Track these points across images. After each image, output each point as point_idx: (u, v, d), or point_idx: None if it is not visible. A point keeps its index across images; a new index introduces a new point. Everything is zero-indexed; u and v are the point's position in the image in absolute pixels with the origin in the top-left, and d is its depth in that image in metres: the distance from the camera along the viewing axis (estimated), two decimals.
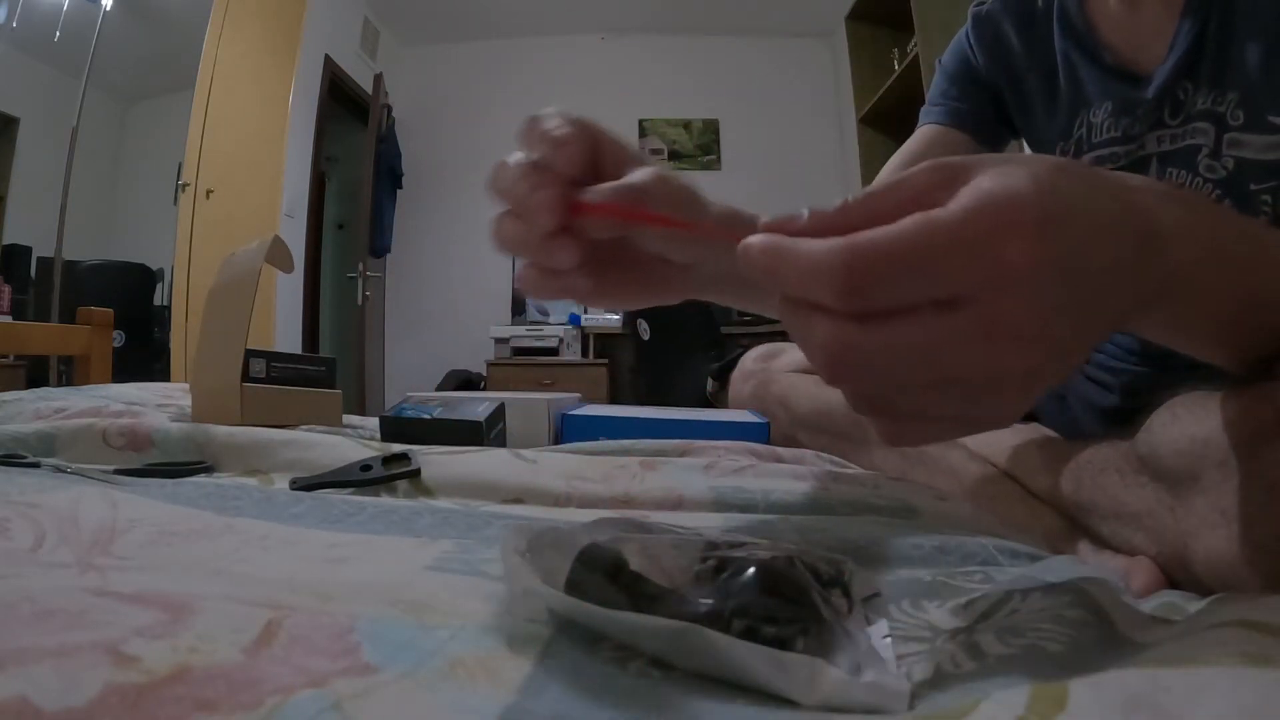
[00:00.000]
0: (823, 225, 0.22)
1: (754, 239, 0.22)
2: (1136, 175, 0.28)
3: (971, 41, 0.67)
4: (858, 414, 0.24)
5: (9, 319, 2.50)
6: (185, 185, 2.71)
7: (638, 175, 0.33)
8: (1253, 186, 0.50)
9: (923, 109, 0.70)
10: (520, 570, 0.22)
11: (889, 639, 0.23)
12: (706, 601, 0.20)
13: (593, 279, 0.35)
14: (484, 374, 3.50)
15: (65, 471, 0.47)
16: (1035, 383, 0.22)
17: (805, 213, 0.23)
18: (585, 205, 0.31)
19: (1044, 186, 0.21)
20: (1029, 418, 0.65)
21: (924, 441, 0.25)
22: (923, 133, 0.69)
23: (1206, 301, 0.28)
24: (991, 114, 0.67)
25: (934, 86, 0.70)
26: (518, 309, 3.80)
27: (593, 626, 0.21)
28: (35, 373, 2.46)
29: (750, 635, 0.19)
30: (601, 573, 0.21)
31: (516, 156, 0.32)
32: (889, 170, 0.68)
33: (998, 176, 0.21)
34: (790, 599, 0.20)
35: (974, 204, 0.20)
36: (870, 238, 0.20)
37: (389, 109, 3.83)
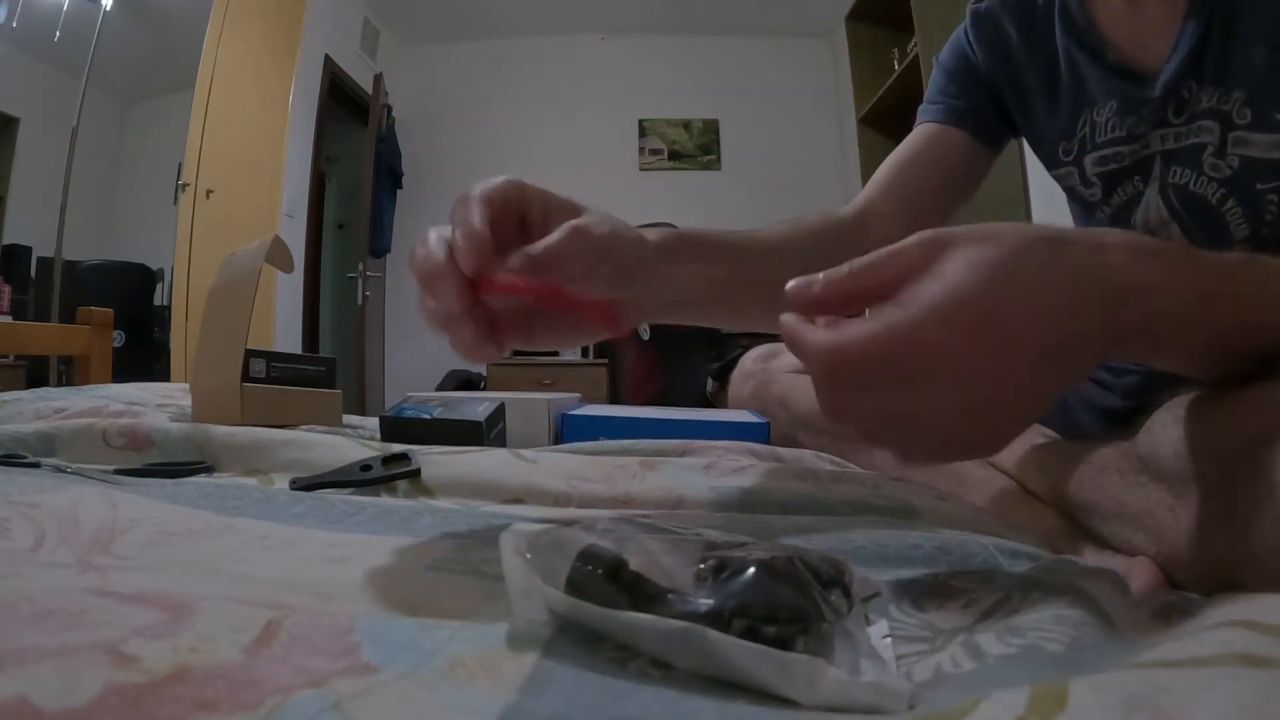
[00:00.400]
0: (835, 290, 0.29)
1: (785, 318, 0.30)
2: (1116, 231, 0.31)
3: (970, 39, 0.66)
4: (834, 425, 0.30)
5: (9, 319, 2.49)
6: (185, 185, 2.71)
7: (553, 236, 0.35)
8: (1258, 186, 0.50)
9: (920, 107, 0.70)
10: (520, 570, 0.22)
11: (889, 639, 0.23)
12: (706, 601, 0.20)
13: (522, 334, 0.38)
14: (484, 374, 3.50)
15: (65, 471, 0.47)
16: (1004, 424, 0.28)
17: (820, 278, 0.30)
18: (485, 283, 0.34)
19: (1003, 271, 0.26)
20: None
21: (915, 464, 0.33)
22: (921, 131, 0.68)
23: (1178, 341, 0.31)
24: (991, 112, 0.66)
25: (932, 84, 0.70)
26: None
27: (593, 626, 0.21)
28: (35, 373, 2.46)
29: (750, 635, 0.19)
30: (602, 573, 0.21)
31: (432, 238, 0.35)
32: (886, 170, 0.68)
33: (960, 266, 0.26)
34: (790, 599, 0.20)
35: (922, 313, 0.26)
36: (844, 341, 0.27)
37: (389, 109, 3.83)
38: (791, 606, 0.20)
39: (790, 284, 0.30)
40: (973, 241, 0.27)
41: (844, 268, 0.29)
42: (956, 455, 0.31)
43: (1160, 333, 0.30)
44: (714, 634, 0.19)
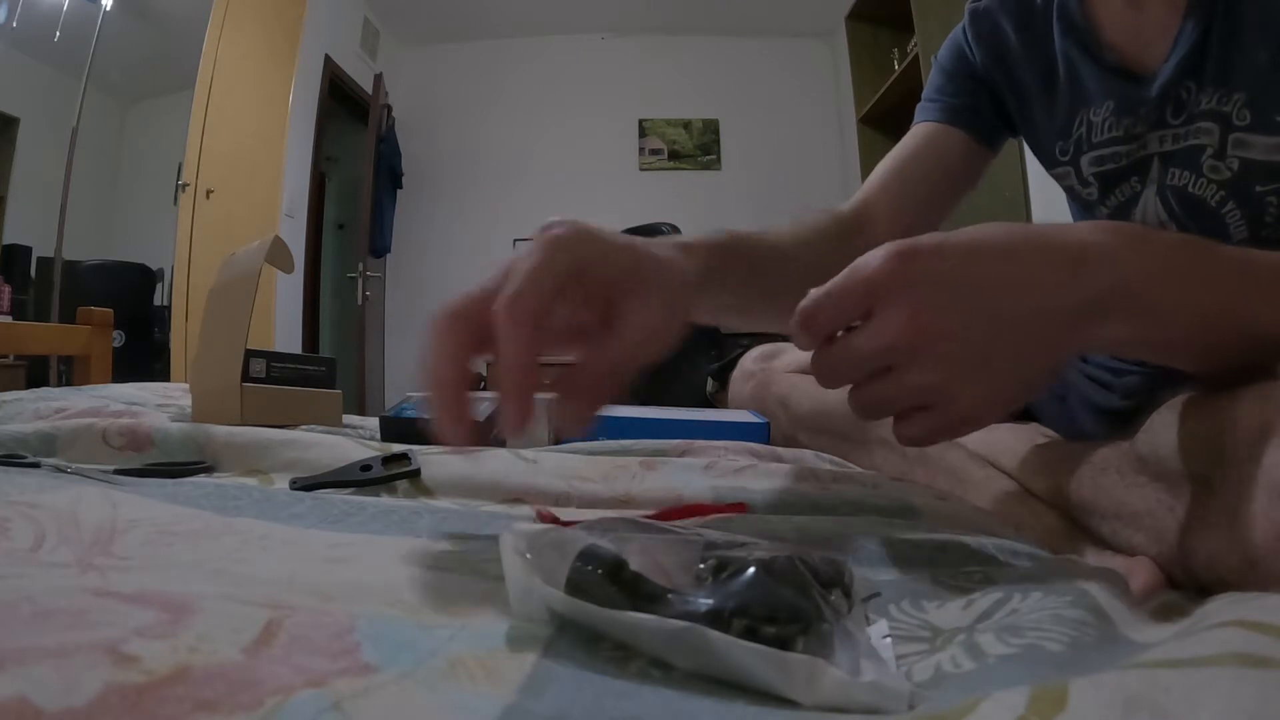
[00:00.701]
0: (825, 322, 0.32)
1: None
2: (1082, 223, 0.33)
3: (969, 38, 0.66)
4: (864, 420, 0.34)
5: (9, 319, 2.50)
6: (185, 185, 2.71)
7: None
8: (1258, 188, 0.50)
9: (919, 106, 0.70)
10: (520, 570, 0.22)
11: (889, 639, 0.23)
12: (706, 601, 0.20)
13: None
14: (484, 374, 3.50)
15: (65, 471, 0.47)
16: (989, 380, 0.31)
17: (807, 319, 0.33)
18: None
19: (922, 238, 0.30)
20: (1028, 418, 0.65)
21: (928, 438, 0.32)
22: (919, 130, 0.68)
23: (1154, 318, 0.32)
24: (989, 111, 0.66)
25: (930, 83, 0.70)
26: None
27: (593, 626, 0.21)
28: (35, 373, 2.46)
29: (750, 635, 0.19)
30: (602, 573, 0.21)
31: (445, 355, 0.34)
32: (884, 168, 0.68)
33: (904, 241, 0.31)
34: (790, 599, 0.20)
35: (866, 256, 0.30)
36: (812, 293, 0.31)
37: (389, 109, 3.83)
38: (791, 606, 0.20)
39: (795, 323, 0.32)
40: (932, 246, 0.31)
41: (822, 299, 0.32)
42: (969, 425, 0.33)
43: (1131, 306, 0.31)
44: (714, 634, 0.19)
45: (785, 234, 0.55)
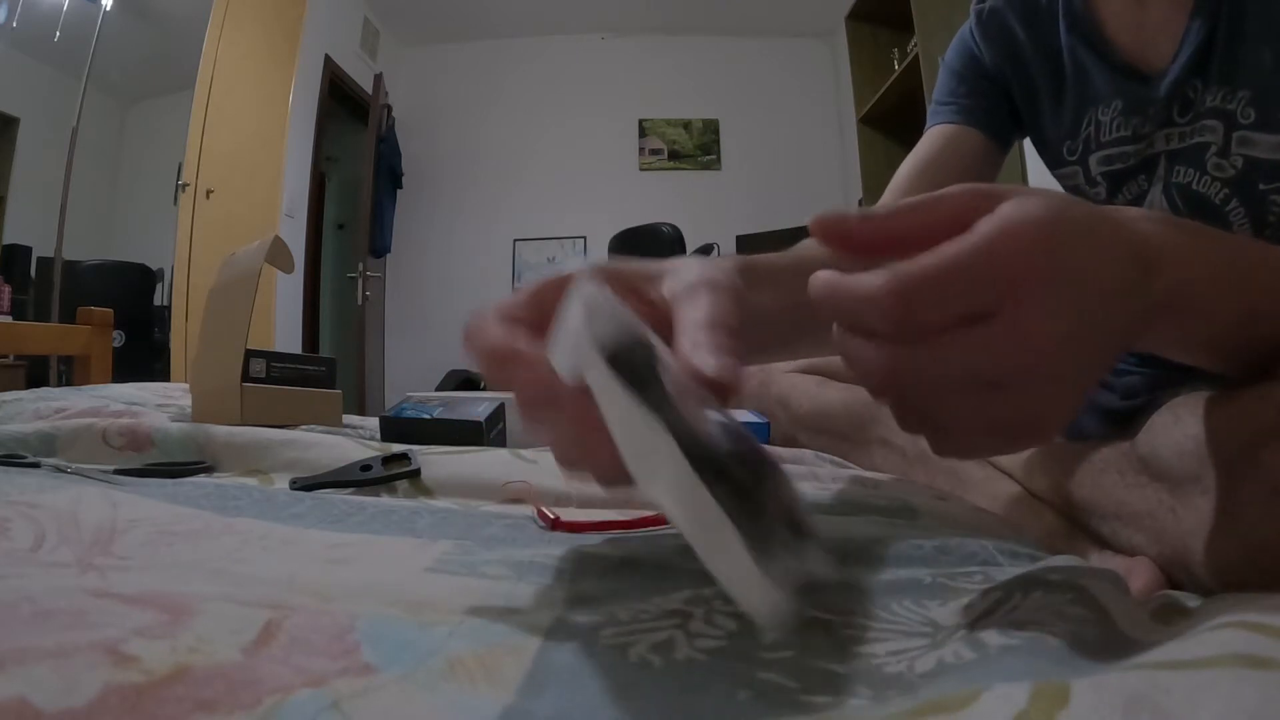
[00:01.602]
0: (872, 227, 0.26)
1: (818, 275, 0.24)
2: (1130, 208, 0.30)
3: (977, 38, 0.66)
4: (907, 431, 0.27)
5: (9, 319, 2.50)
6: (185, 185, 2.71)
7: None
8: (1262, 186, 0.50)
9: (930, 109, 0.69)
10: (579, 319, 0.22)
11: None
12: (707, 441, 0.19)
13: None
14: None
15: (65, 471, 0.47)
16: (1066, 392, 0.25)
17: (855, 214, 0.26)
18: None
19: (1058, 213, 0.23)
20: None
21: (972, 454, 0.28)
22: (935, 133, 0.68)
23: (1205, 318, 0.29)
24: (1003, 110, 0.66)
25: (940, 86, 0.69)
26: None
27: (609, 406, 0.20)
28: (35, 373, 2.46)
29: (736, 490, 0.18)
30: (647, 363, 0.21)
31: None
32: (903, 176, 0.67)
33: (1018, 205, 0.23)
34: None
35: (999, 228, 0.22)
36: (914, 269, 0.22)
37: (389, 109, 3.83)
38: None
39: (817, 215, 0.26)
40: (1019, 193, 0.24)
41: (882, 209, 0.25)
42: (1033, 418, 0.25)
43: (1188, 307, 0.28)
44: (707, 497, 0.18)
45: (804, 248, 0.47)
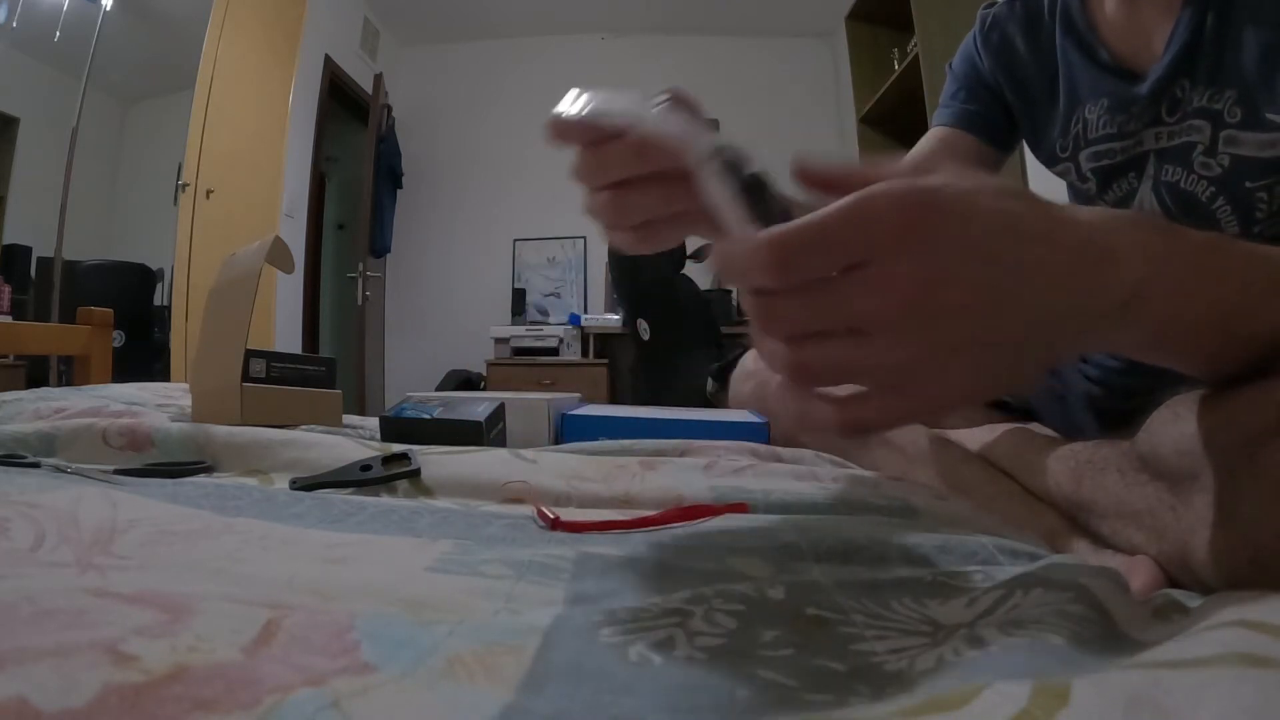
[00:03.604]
0: (835, 173, 0.29)
1: (716, 248, 0.27)
2: (1098, 208, 0.29)
3: (978, 44, 0.68)
4: (797, 385, 0.27)
5: (9, 319, 2.49)
6: (185, 185, 2.71)
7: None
8: (1248, 184, 0.50)
9: (935, 112, 0.72)
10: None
11: None
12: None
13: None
14: (484, 374, 3.50)
15: (65, 471, 0.47)
16: (978, 367, 0.26)
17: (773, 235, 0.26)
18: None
19: (947, 186, 0.25)
20: (1029, 418, 0.65)
21: (881, 422, 0.27)
22: (931, 135, 0.70)
23: (1174, 316, 0.30)
24: (999, 115, 0.68)
25: (945, 89, 0.72)
26: (518, 309, 3.80)
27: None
28: (35, 373, 2.46)
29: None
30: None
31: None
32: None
33: (906, 179, 0.25)
34: None
35: (861, 194, 0.25)
36: (787, 225, 0.25)
37: (389, 109, 3.83)
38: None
39: (796, 157, 0.30)
40: (941, 173, 0.26)
41: (847, 164, 0.28)
42: (935, 412, 0.28)
43: (1155, 304, 0.28)
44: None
45: None
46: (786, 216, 0.26)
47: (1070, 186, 0.65)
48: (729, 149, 0.32)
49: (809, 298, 0.25)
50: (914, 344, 0.25)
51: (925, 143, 0.70)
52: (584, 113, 0.34)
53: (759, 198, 0.30)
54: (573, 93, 0.35)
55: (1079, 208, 0.29)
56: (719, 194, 0.30)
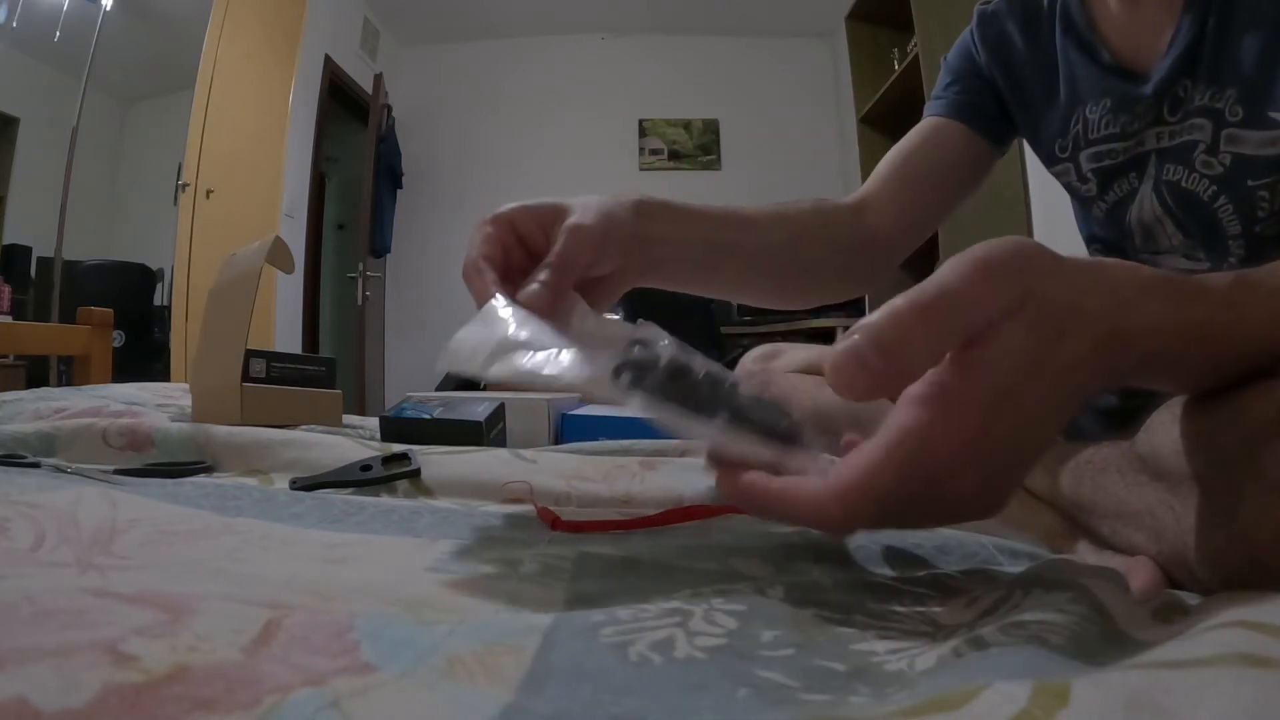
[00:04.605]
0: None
1: (746, 478, 0.28)
2: (1119, 261, 0.28)
3: (976, 40, 0.67)
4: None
5: (9, 319, 2.50)
6: (185, 185, 2.71)
7: (556, 246, 0.38)
8: (1250, 182, 0.50)
9: (926, 105, 0.71)
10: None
11: None
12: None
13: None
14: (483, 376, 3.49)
15: (65, 471, 0.47)
16: (1019, 473, 0.27)
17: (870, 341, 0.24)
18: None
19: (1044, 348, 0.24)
20: None
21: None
22: (922, 125, 0.69)
23: (1171, 377, 0.30)
24: (992, 109, 0.67)
25: (938, 81, 0.71)
26: None
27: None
28: (35, 373, 2.46)
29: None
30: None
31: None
32: (887, 162, 0.68)
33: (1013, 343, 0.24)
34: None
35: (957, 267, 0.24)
36: (881, 313, 0.24)
37: (389, 109, 3.83)
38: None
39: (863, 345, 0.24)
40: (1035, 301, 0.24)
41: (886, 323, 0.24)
42: (976, 504, 0.28)
43: (1155, 370, 0.28)
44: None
45: (753, 207, 0.54)
46: (718, 386, 0.28)
47: (1068, 187, 0.65)
48: (630, 358, 0.28)
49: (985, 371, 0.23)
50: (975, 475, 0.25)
51: (916, 133, 0.69)
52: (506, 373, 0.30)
53: (685, 383, 0.28)
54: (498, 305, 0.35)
55: (1109, 267, 0.27)
56: (647, 407, 0.27)
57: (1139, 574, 0.39)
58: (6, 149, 2.93)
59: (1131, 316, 0.26)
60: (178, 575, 0.26)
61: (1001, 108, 0.67)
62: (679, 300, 2.46)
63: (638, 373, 0.27)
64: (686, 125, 4.17)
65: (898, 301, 0.23)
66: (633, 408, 0.27)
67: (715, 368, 0.29)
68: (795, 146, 4.07)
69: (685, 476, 0.46)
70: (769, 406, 0.29)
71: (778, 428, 0.29)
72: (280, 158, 3.12)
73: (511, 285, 0.38)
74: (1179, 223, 0.55)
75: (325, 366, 0.78)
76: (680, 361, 0.28)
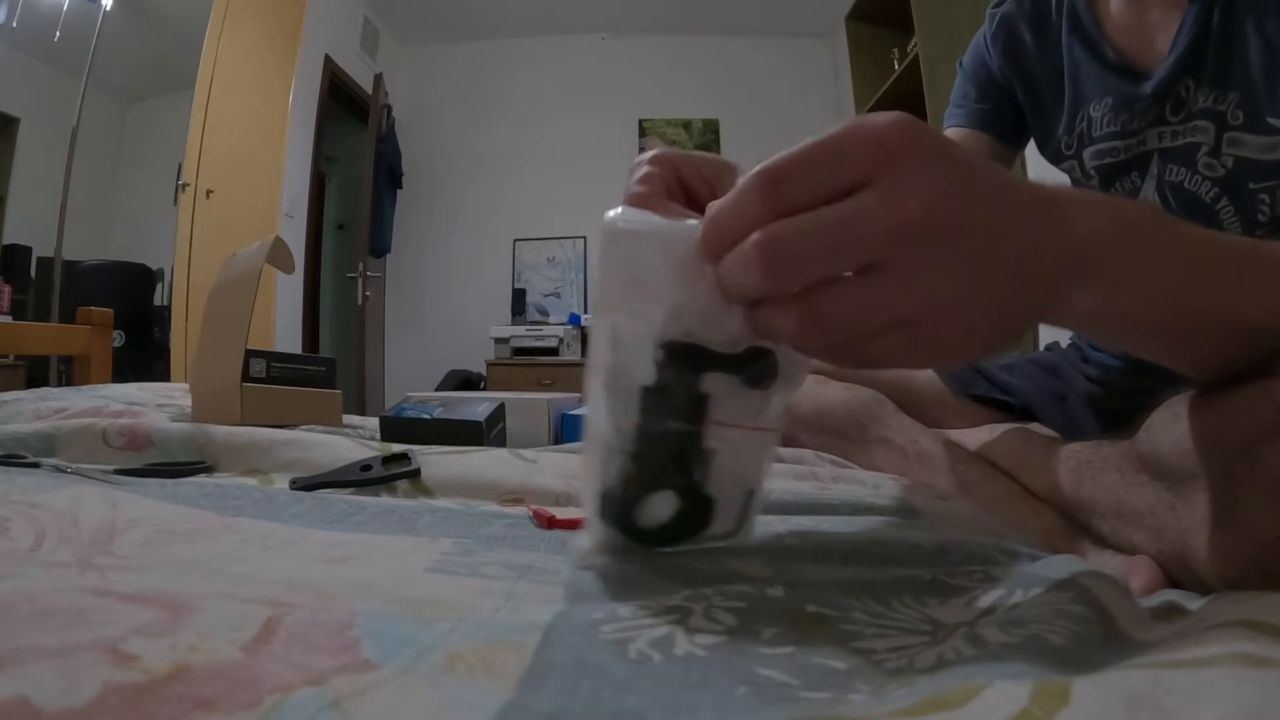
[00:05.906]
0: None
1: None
2: (1055, 184, 0.29)
3: (988, 42, 0.68)
4: (812, 341, 0.26)
5: (9, 319, 2.50)
6: (185, 185, 2.71)
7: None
8: (1251, 185, 0.50)
9: (947, 111, 0.72)
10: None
11: None
12: None
13: None
14: (484, 374, 3.50)
15: (65, 471, 0.47)
16: (972, 307, 0.25)
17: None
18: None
19: (923, 126, 0.24)
20: (1029, 418, 0.65)
21: (899, 359, 0.26)
22: (949, 135, 0.70)
23: (1134, 287, 0.28)
24: (1010, 112, 0.68)
25: (956, 88, 0.72)
26: (517, 309, 3.80)
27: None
28: (35, 373, 2.46)
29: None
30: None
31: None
32: None
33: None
34: None
35: (852, 121, 0.24)
36: (778, 155, 0.25)
37: (389, 109, 3.83)
38: None
39: (754, 181, 0.26)
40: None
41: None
42: (945, 354, 0.27)
43: (1103, 272, 0.27)
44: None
45: None
46: None
47: (1074, 184, 0.65)
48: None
49: (819, 231, 0.24)
50: (932, 273, 0.24)
51: None
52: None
53: None
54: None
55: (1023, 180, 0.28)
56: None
57: (1139, 574, 0.39)
58: (6, 149, 2.93)
59: (1059, 192, 0.28)
60: (178, 575, 0.26)
61: (1016, 109, 0.68)
62: None
63: None
64: (686, 125, 4.17)
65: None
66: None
67: None
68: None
69: None
70: None
71: None
72: (280, 158, 3.12)
73: None
74: None
75: (325, 366, 0.78)
76: None
